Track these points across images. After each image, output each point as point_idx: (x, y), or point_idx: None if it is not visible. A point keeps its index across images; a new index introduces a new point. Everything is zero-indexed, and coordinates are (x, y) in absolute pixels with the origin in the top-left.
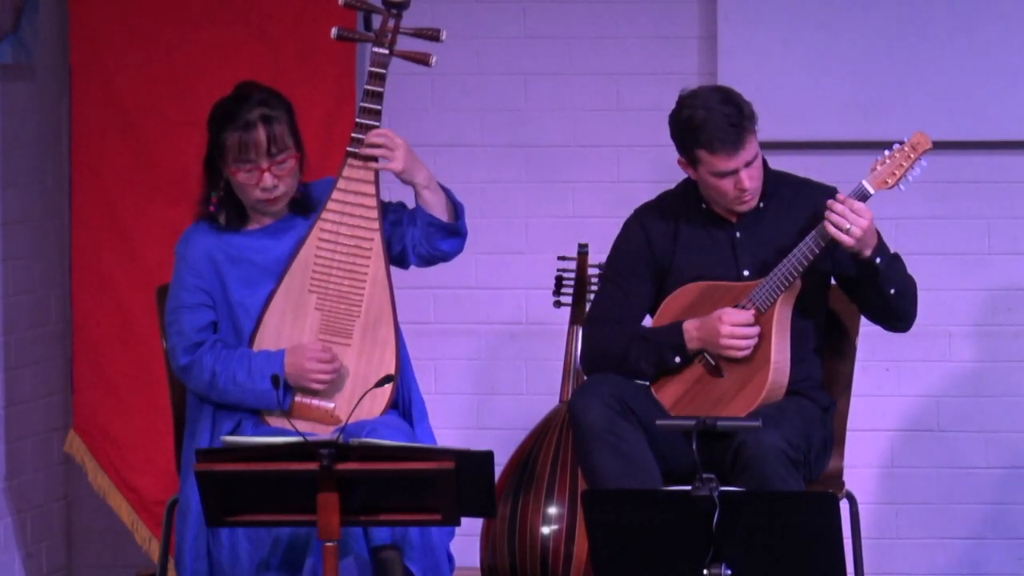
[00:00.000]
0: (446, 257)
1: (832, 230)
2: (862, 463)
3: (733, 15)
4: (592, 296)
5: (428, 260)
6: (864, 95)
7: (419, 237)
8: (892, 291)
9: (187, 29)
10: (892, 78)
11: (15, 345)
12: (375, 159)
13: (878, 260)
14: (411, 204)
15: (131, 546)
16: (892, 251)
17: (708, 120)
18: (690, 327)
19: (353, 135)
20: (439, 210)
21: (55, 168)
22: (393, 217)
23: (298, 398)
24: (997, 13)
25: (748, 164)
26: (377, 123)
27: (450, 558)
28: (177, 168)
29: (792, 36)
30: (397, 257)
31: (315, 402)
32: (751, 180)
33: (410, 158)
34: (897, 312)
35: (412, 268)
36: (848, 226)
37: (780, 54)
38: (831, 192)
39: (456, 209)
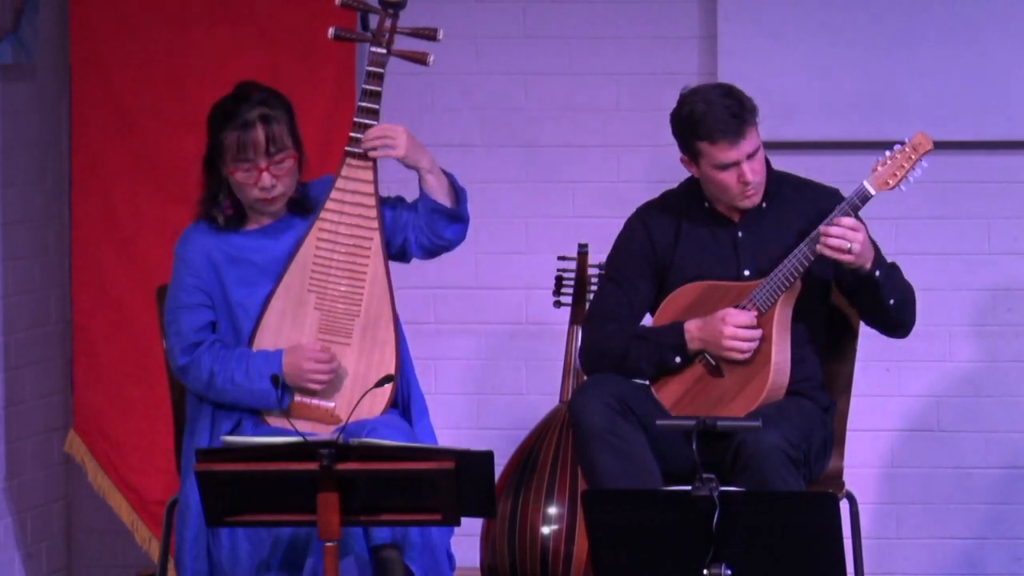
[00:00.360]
0: (449, 245)
1: (833, 254)
2: (862, 463)
3: (733, 15)
4: (592, 295)
5: (431, 251)
6: (864, 95)
7: (422, 225)
8: (891, 302)
9: (187, 29)
10: (892, 78)
11: (15, 345)
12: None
13: (877, 273)
14: (410, 198)
15: (131, 546)
16: (890, 260)
17: (708, 112)
18: (691, 327)
19: (351, 134)
20: (442, 195)
21: (55, 168)
22: (392, 211)
23: (298, 398)
24: (997, 13)
25: (750, 156)
26: (375, 122)
27: (450, 557)
28: (177, 168)
29: (792, 36)
30: (398, 251)
31: (315, 402)
32: (754, 173)
33: (412, 143)
34: (896, 320)
35: (413, 267)
36: (848, 245)
37: (780, 54)
38: (833, 193)
39: (458, 195)
